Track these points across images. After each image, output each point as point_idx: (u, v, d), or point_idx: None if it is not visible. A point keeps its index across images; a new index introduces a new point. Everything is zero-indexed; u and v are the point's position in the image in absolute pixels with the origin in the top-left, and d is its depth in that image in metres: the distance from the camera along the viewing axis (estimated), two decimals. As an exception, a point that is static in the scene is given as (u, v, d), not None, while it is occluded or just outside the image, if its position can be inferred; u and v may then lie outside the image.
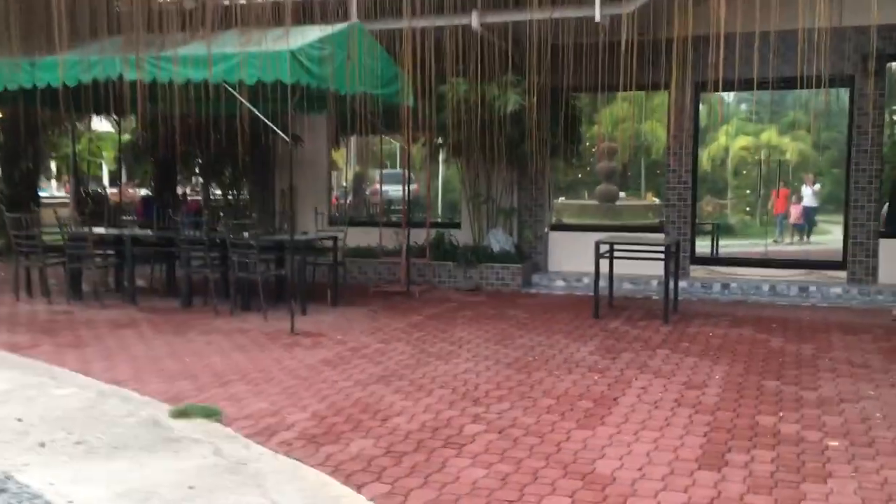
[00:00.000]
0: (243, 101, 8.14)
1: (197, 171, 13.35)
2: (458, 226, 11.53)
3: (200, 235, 8.95)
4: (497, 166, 10.75)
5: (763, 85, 8.92)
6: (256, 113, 8.26)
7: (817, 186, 11.06)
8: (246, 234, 8.95)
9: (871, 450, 4.63)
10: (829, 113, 10.90)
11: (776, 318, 8.60)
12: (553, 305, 9.51)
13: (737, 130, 12.23)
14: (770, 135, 12.68)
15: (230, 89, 8.14)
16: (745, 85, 8.33)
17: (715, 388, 5.92)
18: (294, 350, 7.12)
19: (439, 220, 12.17)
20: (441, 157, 11.64)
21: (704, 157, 11.89)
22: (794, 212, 10.91)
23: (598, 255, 8.60)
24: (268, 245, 8.98)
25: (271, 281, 9.51)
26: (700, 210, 11.42)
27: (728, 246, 11.45)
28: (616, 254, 9.06)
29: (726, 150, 12.34)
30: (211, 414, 5.07)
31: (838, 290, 9.59)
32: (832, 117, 10.76)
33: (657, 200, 11.78)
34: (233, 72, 7.97)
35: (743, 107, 12.31)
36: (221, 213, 11.70)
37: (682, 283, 10.14)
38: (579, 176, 12.47)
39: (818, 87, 10.27)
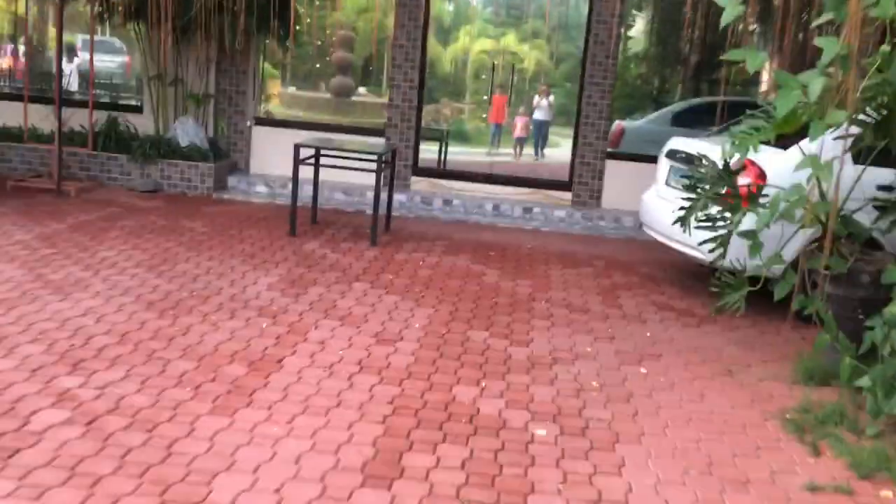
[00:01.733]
0: None
1: None
2: (139, 110, 9.34)
3: None
4: (187, 39, 8.67)
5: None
6: None
7: (552, 98, 10.21)
8: None
9: (584, 441, 3.65)
10: (568, 25, 10.05)
11: (496, 244, 7.67)
12: (246, 217, 7.86)
13: (479, 32, 11.06)
14: (509, 40, 11.74)
15: None
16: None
17: (411, 343, 4.73)
18: None
19: (112, 100, 9.84)
20: (112, 21, 9.22)
21: (447, 57, 10.63)
22: (520, 123, 10.02)
23: (298, 162, 7.05)
24: None
25: None
26: (438, 114, 10.22)
27: (458, 156, 10.42)
28: (324, 160, 7.56)
29: (466, 51, 11.20)
30: None
31: (562, 213, 8.91)
32: (571, 30, 9.88)
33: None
34: None
35: (489, 10, 11.18)
36: None
37: (401, 197, 8.94)
38: (317, 66, 10.66)
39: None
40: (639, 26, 11.35)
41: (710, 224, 4.78)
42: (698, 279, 6.67)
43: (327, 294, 5.56)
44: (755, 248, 4.35)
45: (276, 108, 10.42)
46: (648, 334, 5.28)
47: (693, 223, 4.93)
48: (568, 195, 9.27)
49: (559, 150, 9.94)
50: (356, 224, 7.90)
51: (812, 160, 3.91)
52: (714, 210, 4.87)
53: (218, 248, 6.52)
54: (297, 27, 9.77)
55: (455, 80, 11.02)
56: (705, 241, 4.88)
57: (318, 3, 9.99)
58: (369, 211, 8.14)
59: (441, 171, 9.59)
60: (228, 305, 5.11)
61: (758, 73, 11.50)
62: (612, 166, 9.23)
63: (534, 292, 6.05)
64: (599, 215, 8.90)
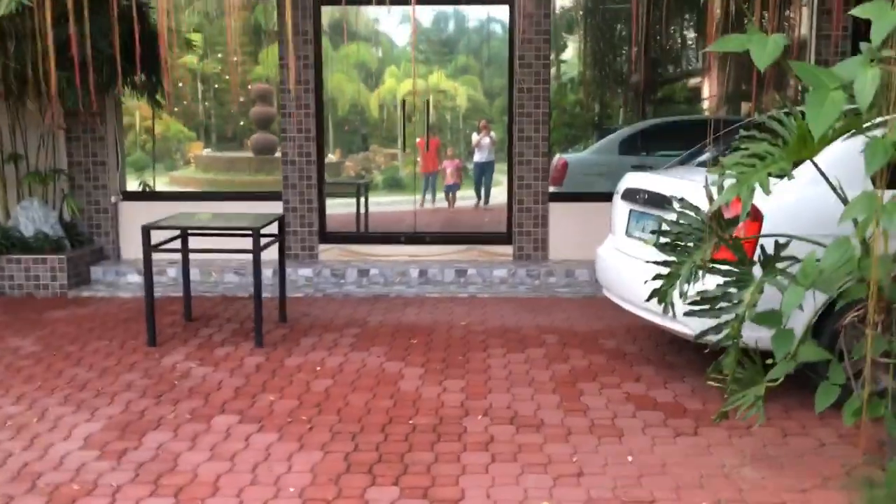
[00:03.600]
0: None
1: None
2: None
3: None
4: (22, 102, 7.01)
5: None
6: None
7: (493, 135, 8.68)
8: None
9: None
10: (500, 58, 8.61)
11: (422, 324, 6.07)
12: (102, 321, 6.15)
13: (406, 72, 9.58)
14: (439, 77, 10.32)
15: None
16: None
17: (274, 531, 3.08)
18: None
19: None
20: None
21: (374, 100, 9.09)
22: (449, 169, 8.51)
23: (149, 248, 5.38)
24: None
25: None
26: (371, 161, 8.62)
27: (384, 212, 8.83)
28: (192, 242, 5.91)
29: (394, 93, 9.70)
30: None
31: (503, 272, 7.37)
32: (503, 62, 8.43)
33: (332, 156, 8.74)
34: None
35: (416, 48, 9.74)
36: None
37: (306, 272, 7.32)
38: (241, 123, 9.01)
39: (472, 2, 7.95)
40: (571, 47, 10.02)
41: (707, 307, 3.24)
42: (681, 351, 5.15)
43: (171, 444, 3.88)
44: (784, 338, 2.82)
45: (193, 172, 8.81)
46: (630, 458, 3.70)
47: (677, 300, 3.40)
48: (509, 249, 7.75)
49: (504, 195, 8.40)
50: (246, 315, 6.24)
51: (869, 199, 2.40)
52: (709, 281, 3.34)
53: (39, 379, 4.80)
54: (178, 81, 8.20)
55: (386, 126, 9.44)
56: (705, 333, 3.34)
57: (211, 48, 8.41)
58: (270, 295, 6.52)
59: (354, 235, 7.99)
60: (4, 489, 3.41)
61: (698, 89, 10.25)
62: (557, 210, 7.75)
63: (468, 400, 4.45)
64: (548, 270, 7.38)
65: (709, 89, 9.96)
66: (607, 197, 8.13)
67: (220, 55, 8.64)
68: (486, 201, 8.77)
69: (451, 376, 4.86)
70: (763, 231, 3.68)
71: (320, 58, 7.63)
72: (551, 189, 7.86)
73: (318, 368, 5.01)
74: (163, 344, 5.49)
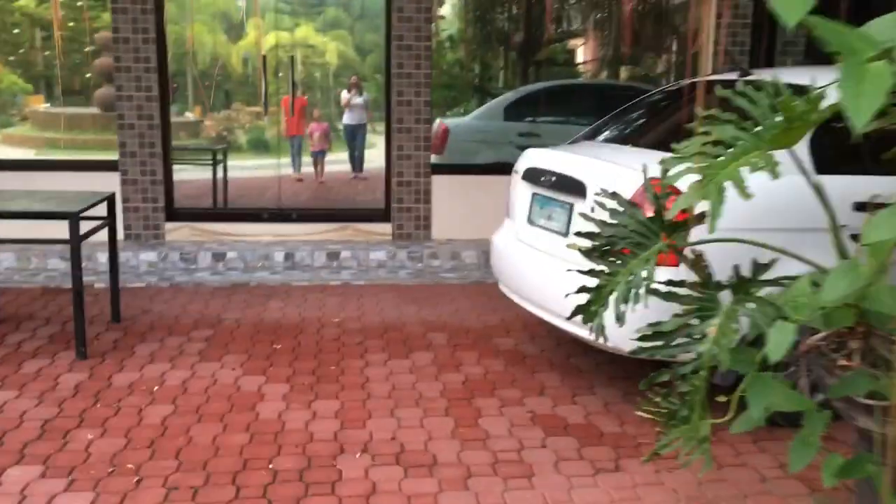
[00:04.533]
0: None
1: None
2: None
3: None
4: None
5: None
6: None
7: (365, 96, 7.72)
8: None
9: None
10: (374, 13, 7.66)
11: (287, 321, 5.18)
12: None
13: (272, 25, 8.43)
14: (307, 31, 9.22)
15: None
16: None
17: None
18: None
19: None
20: None
21: (234, 55, 7.90)
22: (316, 133, 7.52)
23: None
24: None
25: None
26: (233, 121, 7.47)
27: (247, 178, 7.74)
28: (9, 227, 4.73)
29: (258, 48, 8.52)
30: None
31: (381, 254, 6.54)
32: (376, 18, 7.49)
33: (190, 115, 7.50)
34: None
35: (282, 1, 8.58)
36: None
37: (149, 256, 6.24)
38: (87, 76, 7.56)
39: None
40: (451, 1, 9.18)
41: (659, 342, 2.53)
42: (587, 351, 4.51)
43: (-62, 518, 2.87)
44: (761, 385, 2.15)
45: (28, 130, 7.40)
46: (545, 511, 3.01)
47: (610, 321, 2.67)
48: (387, 227, 6.91)
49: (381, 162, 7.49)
50: (71, 314, 5.13)
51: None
52: (655, 307, 2.62)
53: None
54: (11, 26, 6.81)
55: (251, 82, 8.29)
56: (644, 350, 2.63)
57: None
58: (99, 284, 5.44)
59: (207, 212, 6.93)
60: None
61: (572, 53, 9.71)
62: (440, 183, 6.97)
63: (343, 430, 3.62)
64: (431, 252, 6.60)
65: (589, 52, 9.43)
66: (496, 169, 7.46)
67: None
68: (360, 168, 7.87)
69: (323, 395, 4.01)
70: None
71: (162, 2, 6.44)
72: (433, 159, 7.06)
73: (156, 388, 4.04)
74: (-47, 359, 4.35)
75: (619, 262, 2.68)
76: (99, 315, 5.15)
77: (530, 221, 4.24)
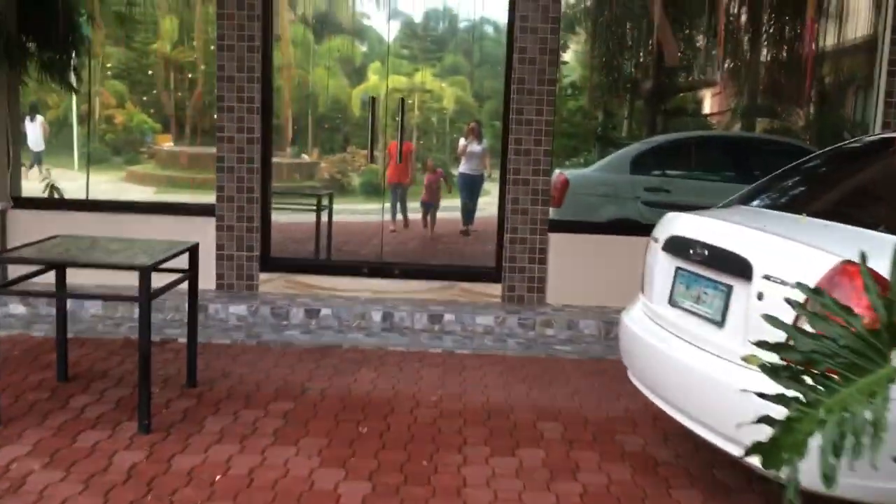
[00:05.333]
0: None
1: None
2: None
3: None
4: None
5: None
6: None
7: (484, 144, 7.15)
8: None
9: None
10: (493, 60, 7.16)
11: (378, 397, 4.54)
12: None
13: (393, 68, 8.12)
14: (424, 76, 8.83)
15: None
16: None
17: None
18: None
19: None
20: None
21: (354, 98, 7.60)
22: (431, 182, 6.96)
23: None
24: None
25: None
26: (348, 164, 7.14)
27: (344, 231, 7.28)
28: (84, 276, 4.34)
29: (377, 91, 8.21)
30: None
31: (488, 318, 5.84)
32: (496, 65, 6.95)
33: (305, 157, 7.29)
34: None
35: (400, 44, 8.27)
36: None
37: (239, 309, 5.78)
38: (215, 116, 7.48)
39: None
40: (574, 46, 8.54)
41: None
42: (734, 471, 3.64)
43: None
44: None
45: (152, 168, 7.29)
46: None
47: (813, 469, 1.88)
48: (497, 289, 6.23)
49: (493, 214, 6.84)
50: (154, 370, 4.67)
51: None
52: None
53: None
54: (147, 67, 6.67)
55: (366, 126, 7.96)
56: None
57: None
58: (184, 339, 5.01)
59: (304, 263, 6.44)
60: None
61: (702, 103, 8.84)
62: (558, 242, 6.24)
63: (429, 558, 2.91)
64: (545, 319, 5.86)
65: (722, 102, 8.56)
66: (621, 227, 6.69)
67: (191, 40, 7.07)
68: (471, 221, 7.25)
69: (409, 500, 3.32)
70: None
71: (269, 39, 6.07)
72: (551, 214, 6.35)
73: (218, 478, 3.45)
74: (8, 423, 3.91)
75: (822, 388, 1.89)
76: (175, 376, 4.67)
77: (672, 302, 3.45)
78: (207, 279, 6.00)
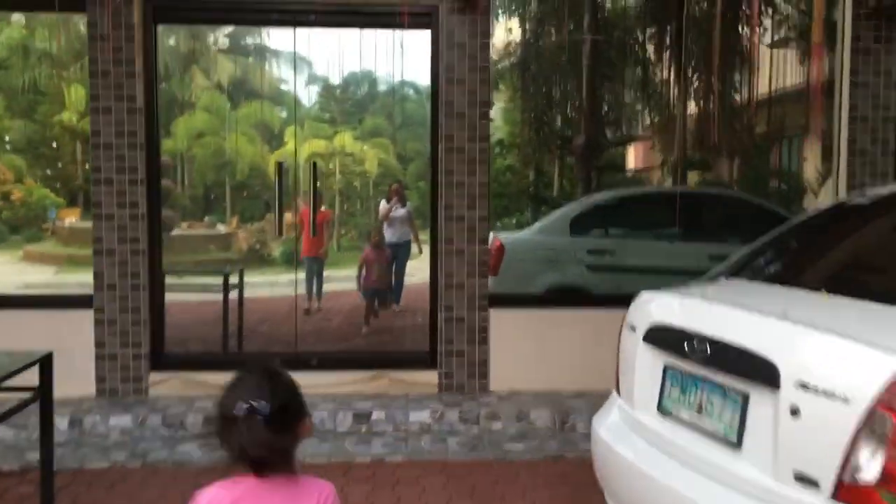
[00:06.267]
0: None
1: None
2: None
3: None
4: None
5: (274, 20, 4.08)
6: None
7: (408, 206, 6.45)
8: None
9: None
10: (415, 122, 6.56)
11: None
12: None
13: (312, 132, 7.41)
14: (344, 139, 8.15)
15: None
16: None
17: None
18: None
19: None
20: None
21: (273, 162, 6.84)
22: (369, 261, 6.13)
23: None
24: None
25: None
26: (268, 234, 6.44)
27: (253, 316, 6.39)
28: None
29: (295, 156, 7.49)
30: None
31: (424, 413, 4.98)
32: (418, 126, 6.32)
33: (221, 227, 6.51)
34: None
35: (317, 106, 7.60)
36: None
37: (122, 421, 4.79)
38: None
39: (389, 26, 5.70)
40: (499, 103, 7.98)
41: None
42: None
43: None
44: None
45: (52, 246, 6.51)
46: None
47: None
48: (433, 376, 5.39)
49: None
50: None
51: None
52: None
53: None
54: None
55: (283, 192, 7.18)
56: None
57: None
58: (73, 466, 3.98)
59: (203, 357, 5.49)
60: None
61: (635, 157, 8.43)
62: (499, 318, 5.46)
63: None
64: (490, 411, 5.03)
65: (656, 156, 8.09)
66: (568, 298, 6.00)
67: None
68: (397, 300, 6.46)
69: None
70: None
71: (155, 100, 5.21)
72: (489, 285, 5.59)
73: None
74: None
75: None
76: (28, 522, 3.65)
77: (663, 410, 2.67)
78: (86, 384, 5.02)
